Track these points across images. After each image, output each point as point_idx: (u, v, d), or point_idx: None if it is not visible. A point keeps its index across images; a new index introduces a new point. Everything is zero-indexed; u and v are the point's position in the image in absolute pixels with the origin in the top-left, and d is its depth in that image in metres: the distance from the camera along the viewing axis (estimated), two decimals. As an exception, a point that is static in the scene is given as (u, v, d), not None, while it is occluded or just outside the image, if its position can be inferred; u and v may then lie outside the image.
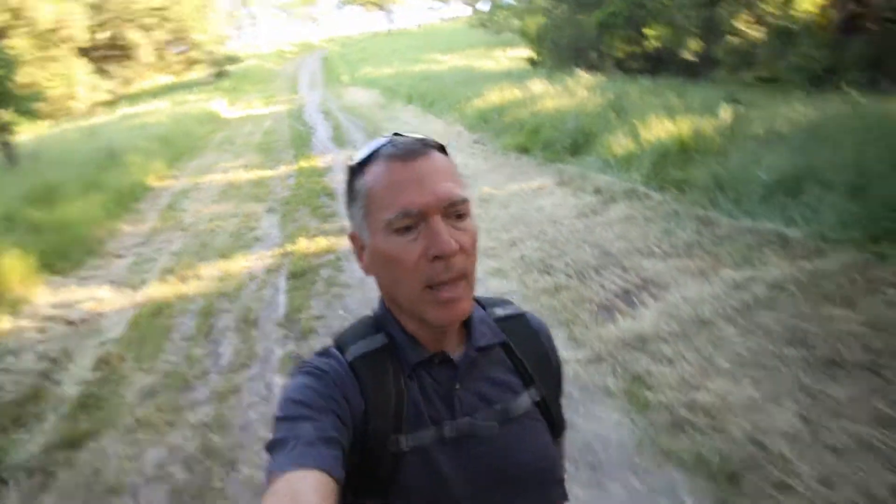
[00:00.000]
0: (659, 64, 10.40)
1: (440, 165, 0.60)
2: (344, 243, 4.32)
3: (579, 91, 7.58)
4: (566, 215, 4.13)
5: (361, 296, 3.39)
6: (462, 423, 0.62)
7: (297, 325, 3.16)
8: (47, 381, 2.84)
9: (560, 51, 11.81)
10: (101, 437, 2.36)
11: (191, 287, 3.88)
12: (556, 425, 0.70)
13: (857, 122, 3.85)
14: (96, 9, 22.86)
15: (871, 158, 3.22)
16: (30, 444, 2.35)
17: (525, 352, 0.69)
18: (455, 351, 0.65)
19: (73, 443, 2.33)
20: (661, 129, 5.08)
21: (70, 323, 3.48)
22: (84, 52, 22.17)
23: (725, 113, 5.04)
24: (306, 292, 3.56)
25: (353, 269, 3.80)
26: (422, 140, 0.61)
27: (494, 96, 8.53)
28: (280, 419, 0.57)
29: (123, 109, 15.64)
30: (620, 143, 5.17)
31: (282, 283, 3.79)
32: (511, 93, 8.48)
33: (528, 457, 0.64)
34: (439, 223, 0.57)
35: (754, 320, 2.40)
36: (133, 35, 24.81)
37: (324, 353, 0.65)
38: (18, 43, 15.88)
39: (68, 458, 2.24)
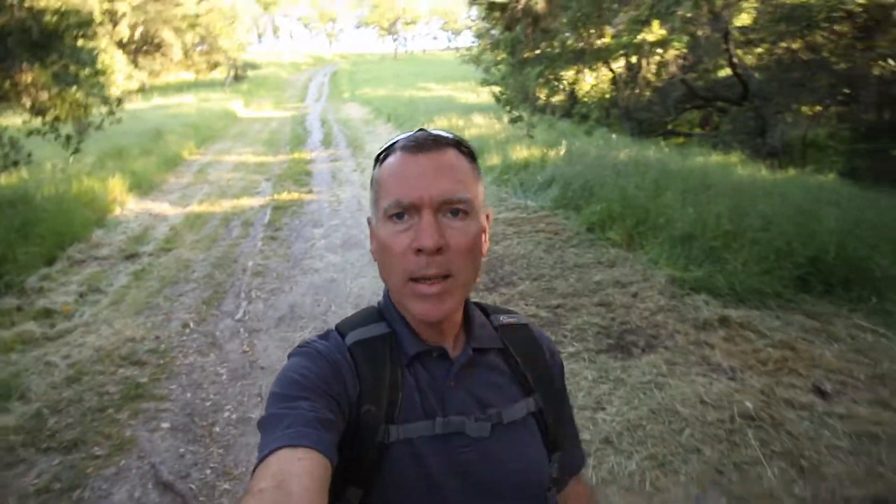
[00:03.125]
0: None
1: (448, 163, 0.62)
2: (306, 197, 7.34)
3: (499, 125, 10.72)
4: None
5: (308, 218, 6.37)
6: (453, 421, 0.63)
7: (272, 226, 6.13)
8: (146, 233, 5.84)
9: (513, 93, 15.08)
10: (177, 249, 5.32)
11: (216, 208, 6.87)
12: (552, 440, 0.70)
13: (603, 152, 6.96)
14: (138, 10, 26.33)
15: (586, 171, 6.28)
16: (146, 247, 5.33)
17: (525, 360, 0.71)
18: (454, 349, 0.68)
19: (165, 250, 5.30)
20: (521, 153, 8.18)
21: (151, 215, 6.49)
22: (121, 44, 25.59)
23: (562, 147, 8.15)
24: (280, 214, 6.54)
25: (308, 208, 6.79)
26: (438, 136, 0.64)
27: (442, 123, 11.67)
28: (276, 395, 0.58)
29: (157, 100, 18.75)
30: (494, 159, 8.26)
31: (269, 210, 6.76)
32: (455, 122, 11.62)
33: (516, 465, 0.64)
34: (428, 217, 0.60)
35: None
36: (166, 35, 28.28)
37: (324, 335, 0.68)
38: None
39: (165, 252, 5.21)
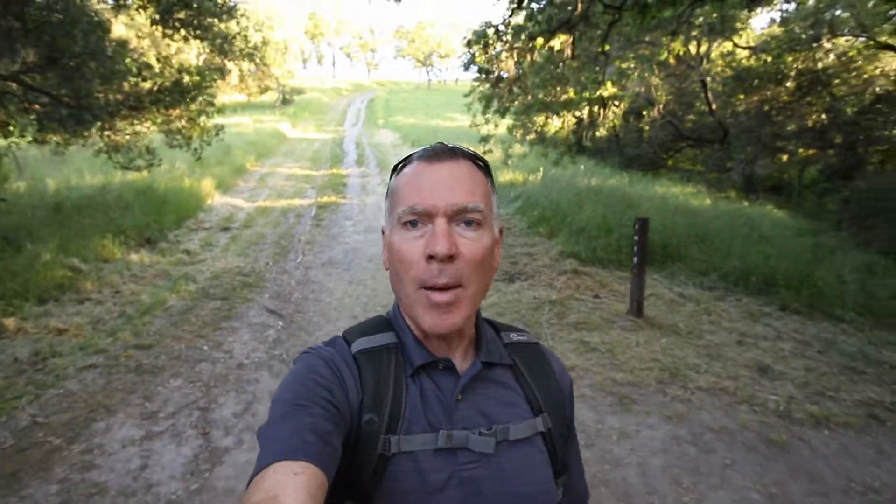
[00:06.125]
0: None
1: (463, 173, 0.64)
2: (341, 201, 10.01)
3: (498, 154, 13.30)
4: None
5: (343, 214, 9.02)
6: (457, 435, 0.62)
7: (317, 217, 8.79)
8: (232, 216, 8.60)
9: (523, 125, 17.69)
10: (253, 227, 8.03)
11: (276, 205, 9.62)
12: (559, 462, 0.69)
13: (570, 179, 9.42)
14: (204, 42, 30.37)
15: (540, 189, 8.75)
16: (234, 224, 8.07)
17: (534, 379, 0.71)
18: (463, 362, 0.68)
19: (246, 227, 8.02)
20: (506, 176, 10.72)
21: (232, 206, 9.27)
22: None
23: (539, 173, 10.65)
24: (323, 211, 9.23)
25: (343, 208, 9.44)
26: (454, 147, 0.67)
27: (455, 150, 14.36)
28: (278, 402, 0.59)
29: (218, 119, 22.11)
30: (486, 180, 10.82)
31: (314, 208, 9.46)
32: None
33: (524, 487, 0.64)
34: (441, 225, 0.61)
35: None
36: (227, 63, 32.25)
37: (331, 342, 0.69)
38: (151, 58, 22.96)
39: (247, 228, 7.92)
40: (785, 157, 15.06)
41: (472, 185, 0.64)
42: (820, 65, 11.46)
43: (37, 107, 7.02)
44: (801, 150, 14.18)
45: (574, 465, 0.77)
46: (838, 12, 11.38)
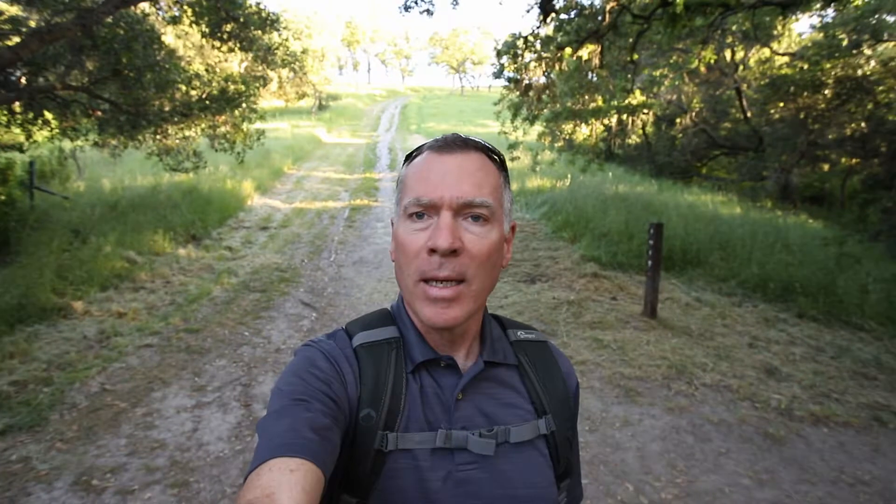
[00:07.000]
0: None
1: (472, 165, 0.63)
2: (373, 204, 10.44)
3: (527, 161, 13.53)
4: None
5: (374, 216, 9.43)
6: (456, 435, 0.62)
7: (350, 219, 9.23)
8: (270, 216, 9.12)
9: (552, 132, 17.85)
10: (290, 227, 8.52)
11: (311, 206, 10.11)
12: (561, 465, 0.69)
13: (598, 185, 9.59)
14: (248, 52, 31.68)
15: (566, 195, 8.95)
16: (272, 224, 8.58)
17: (540, 379, 0.69)
18: (466, 360, 0.67)
19: (284, 226, 8.52)
20: (534, 182, 10.94)
21: (270, 207, 9.81)
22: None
23: (567, 179, 10.84)
24: (355, 213, 9.66)
25: (374, 211, 9.86)
26: (467, 139, 0.65)
27: (485, 155, 14.66)
28: (277, 396, 0.59)
29: (257, 124, 23.07)
30: (513, 186, 11.05)
31: (347, 210, 9.92)
32: (496, 155, 14.57)
33: (524, 490, 0.63)
34: (446, 218, 0.60)
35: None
36: (266, 71, 33.52)
37: (332, 335, 0.69)
38: (198, 67, 24.11)
39: (284, 228, 8.41)
40: (826, 167, 14.72)
41: (482, 178, 0.63)
42: (860, 72, 11.26)
43: (98, 113, 7.70)
44: (843, 159, 13.85)
45: (574, 468, 0.76)
46: (886, 17, 11.15)
